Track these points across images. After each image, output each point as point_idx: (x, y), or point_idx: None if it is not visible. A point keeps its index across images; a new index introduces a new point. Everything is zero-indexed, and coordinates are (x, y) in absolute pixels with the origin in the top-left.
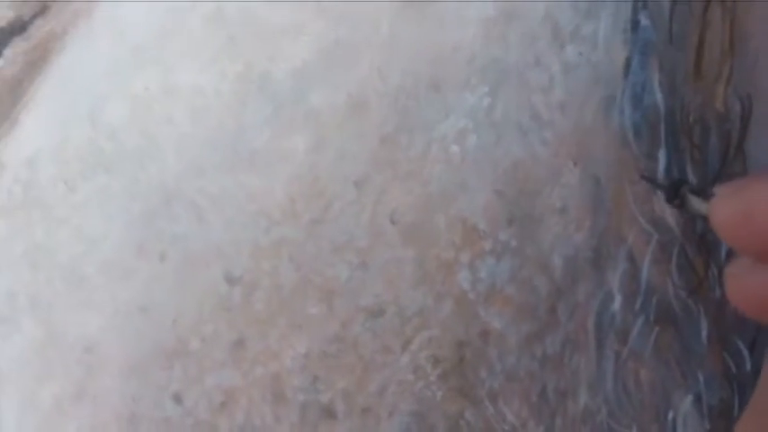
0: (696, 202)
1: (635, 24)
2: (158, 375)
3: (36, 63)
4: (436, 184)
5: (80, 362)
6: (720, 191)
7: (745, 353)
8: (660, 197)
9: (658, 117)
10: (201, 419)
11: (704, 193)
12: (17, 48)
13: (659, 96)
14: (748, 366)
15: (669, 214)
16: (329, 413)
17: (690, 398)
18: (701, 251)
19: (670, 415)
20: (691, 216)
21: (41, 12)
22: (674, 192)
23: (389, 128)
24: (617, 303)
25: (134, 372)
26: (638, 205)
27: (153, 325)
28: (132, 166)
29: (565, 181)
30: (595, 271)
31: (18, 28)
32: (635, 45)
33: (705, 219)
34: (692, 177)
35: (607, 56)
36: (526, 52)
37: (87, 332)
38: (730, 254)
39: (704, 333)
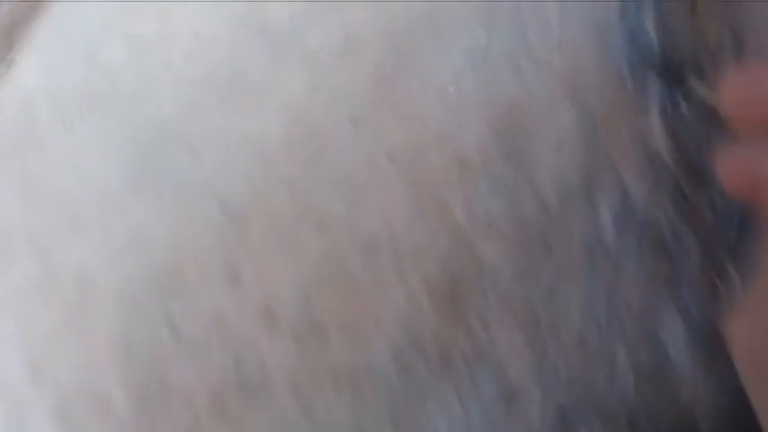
0: (699, 86)
1: None
2: (153, 305)
3: (33, 5)
4: (433, 122)
5: (76, 292)
6: (730, 74)
7: (735, 275)
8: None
9: (653, 54)
10: (196, 344)
11: (706, 76)
12: None
13: (654, 34)
14: (738, 288)
15: (663, 148)
16: (322, 335)
17: (680, 320)
18: (694, 181)
19: (660, 336)
20: (690, 100)
21: None
22: (679, 76)
23: (386, 68)
24: (609, 235)
25: (129, 301)
26: (632, 140)
27: (148, 257)
28: (129, 107)
29: (560, 119)
30: (589, 204)
31: None
32: None
33: (706, 103)
34: (686, 112)
35: None
36: None
37: (83, 265)
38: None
39: (696, 259)
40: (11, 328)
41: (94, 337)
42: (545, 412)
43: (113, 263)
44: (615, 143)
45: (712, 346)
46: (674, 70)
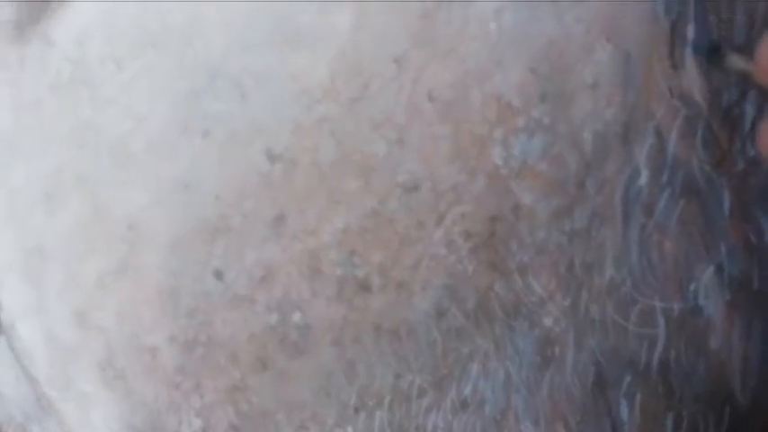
0: (736, 59)
1: None
2: (199, 251)
3: None
4: (473, 61)
5: (123, 238)
6: (765, 40)
7: (766, 225)
8: (691, 63)
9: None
10: (241, 294)
11: (745, 50)
12: None
13: None
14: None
15: (696, 89)
16: (365, 287)
17: (711, 269)
18: (726, 126)
19: (692, 286)
20: (729, 73)
21: None
22: (715, 49)
23: (429, 4)
24: (643, 177)
25: (176, 248)
26: (666, 81)
27: (195, 202)
28: (179, 44)
29: (597, 58)
30: (624, 146)
31: None
32: None
33: (745, 75)
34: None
35: None
36: None
37: (131, 209)
38: (754, 127)
39: (727, 205)
40: (59, 275)
41: (142, 285)
42: (579, 365)
43: (161, 207)
44: (649, 82)
45: (744, 296)
46: (711, 45)
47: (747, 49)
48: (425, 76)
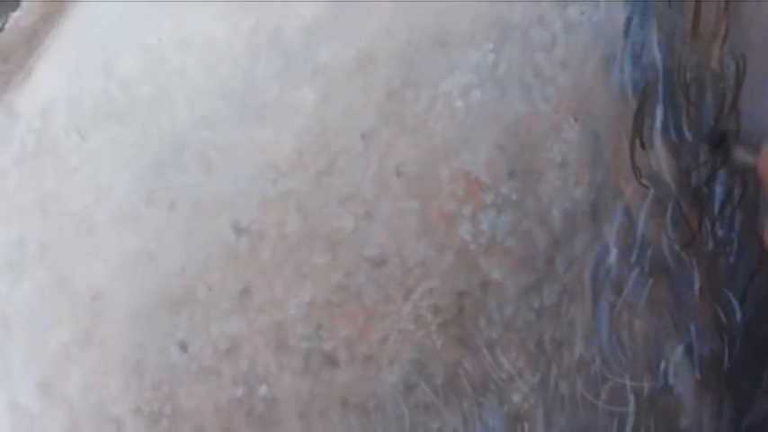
0: (742, 152)
1: None
2: (164, 322)
3: (52, 14)
4: (440, 137)
5: (88, 308)
6: None
7: (736, 305)
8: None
9: (656, 75)
10: (206, 366)
11: (751, 144)
12: None
13: (657, 55)
14: (738, 318)
15: (665, 169)
16: (332, 361)
17: (681, 348)
18: (695, 205)
19: (662, 365)
20: (734, 166)
21: None
22: (720, 141)
23: (396, 83)
24: (613, 256)
25: (140, 319)
26: (635, 160)
27: (160, 273)
28: (144, 117)
29: (565, 136)
30: (593, 224)
31: None
32: (635, 6)
33: (750, 168)
34: (687, 133)
35: (608, 15)
36: (530, 11)
37: (95, 279)
38: (724, 208)
39: (696, 285)
40: (22, 345)
41: (106, 356)
42: None
43: (126, 278)
44: (618, 161)
45: (714, 376)
46: (717, 136)
47: (754, 144)
48: (393, 152)
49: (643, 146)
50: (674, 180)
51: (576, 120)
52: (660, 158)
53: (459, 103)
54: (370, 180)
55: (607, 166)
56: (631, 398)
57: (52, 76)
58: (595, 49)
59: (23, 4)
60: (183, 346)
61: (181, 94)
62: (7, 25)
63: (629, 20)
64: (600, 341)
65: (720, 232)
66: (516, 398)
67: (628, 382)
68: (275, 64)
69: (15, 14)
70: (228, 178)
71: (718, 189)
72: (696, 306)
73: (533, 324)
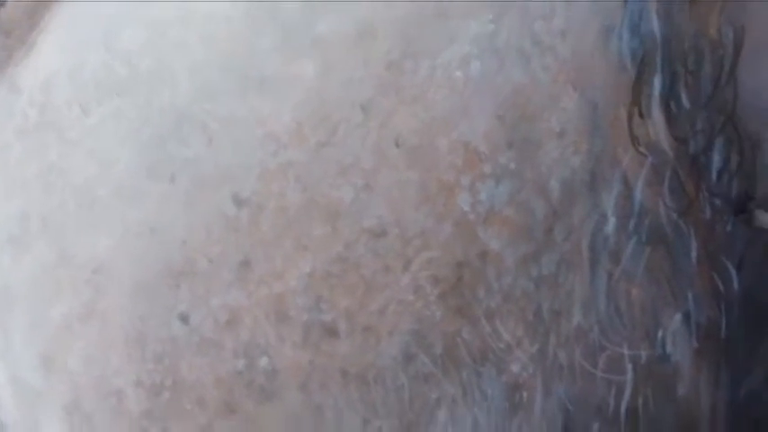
0: (764, 217)
1: None
2: (166, 295)
3: None
4: (440, 108)
5: (89, 282)
6: None
7: (733, 273)
8: (657, 111)
9: (655, 44)
10: (207, 338)
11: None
12: None
13: (656, 24)
14: (735, 286)
15: (663, 138)
16: (331, 332)
17: (679, 316)
18: (693, 174)
19: (660, 333)
20: (756, 229)
21: None
22: (743, 206)
23: (395, 54)
24: (611, 225)
25: (142, 292)
26: (633, 129)
27: (161, 246)
28: (145, 90)
29: (564, 105)
30: (591, 193)
31: None
32: None
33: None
34: (685, 102)
35: None
36: None
37: (97, 253)
38: (721, 176)
39: (694, 253)
40: (24, 319)
41: (108, 329)
42: (547, 411)
43: (127, 251)
44: (616, 131)
45: (711, 344)
46: (738, 199)
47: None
48: (392, 123)
49: (641, 114)
50: (671, 148)
51: (574, 89)
52: (658, 127)
53: (459, 74)
54: (370, 151)
55: (605, 136)
56: (629, 366)
57: (54, 50)
58: (594, 19)
59: None
60: (184, 319)
61: (181, 67)
62: (9, 0)
63: None
64: (598, 310)
65: (718, 200)
66: (515, 367)
67: (625, 351)
68: (275, 36)
69: None
70: (229, 150)
71: (716, 158)
72: (693, 274)
73: (532, 294)
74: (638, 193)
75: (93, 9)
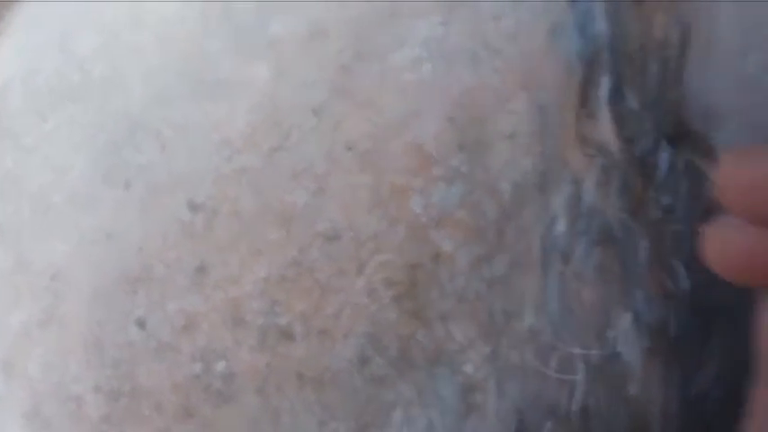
0: (697, 157)
1: None
2: (122, 301)
3: None
4: (391, 111)
5: (47, 289)
6: (730, 155)
7: (683, 272)
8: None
9: (602, 45)
10: (164, 343)
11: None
12: None
13: (603, 25)
14: (685, 285)
15: (610, 139)
16: (287, 335)
17: (629, 316)
18: (641, 174)
19: (610, 333)
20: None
21: None
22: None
23: (347, 56)
24: (561, 226)
25: (99, 298)
26: (581, 130)
27: (118, 252)
28: (99, 96)
29: (513, 107)
30: (541, 195)
31: None
32: None
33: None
34: (632, 102)
35: None
36: None
37: (54, 259)
38: (669, 175)
39: (643, 253)
40: None
41: (67, 335)
42: (501, 411)
43: (84, 257)
44: (565, 132)
45: (662, 343)
46: (682, 134)
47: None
48: (344, 127)
49: (589, 115)
50: (619, 149)
51: (523, 91)
52: (605, 128)
53: (409, 77)
54: (322, 155)
55: (554, 137)
56: (580, 366)
57: (9, 56)
58: (543, 20)
59: None
60: (141, 324)
61: (135, 72)
62: None
63: None
64: (549, 310)
65: (666, 200)
66: (469, 368)
67: (577, 351)
68: (228, 39)
69: None
70: (183, 156)
71: (663, 157)
72: (643, 274)
73: (484, 295)
74: (588, 194)
75: (48, 16)
